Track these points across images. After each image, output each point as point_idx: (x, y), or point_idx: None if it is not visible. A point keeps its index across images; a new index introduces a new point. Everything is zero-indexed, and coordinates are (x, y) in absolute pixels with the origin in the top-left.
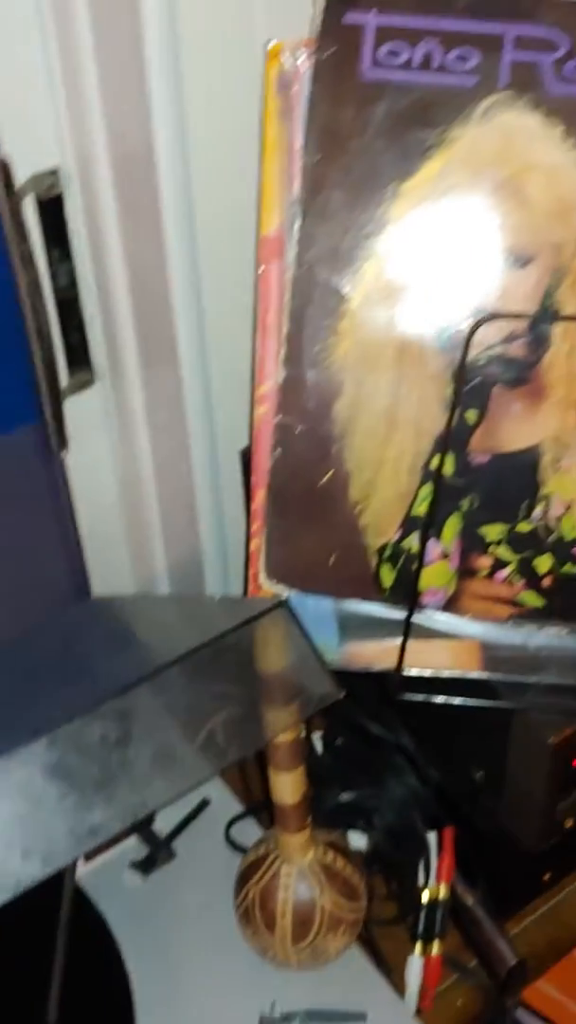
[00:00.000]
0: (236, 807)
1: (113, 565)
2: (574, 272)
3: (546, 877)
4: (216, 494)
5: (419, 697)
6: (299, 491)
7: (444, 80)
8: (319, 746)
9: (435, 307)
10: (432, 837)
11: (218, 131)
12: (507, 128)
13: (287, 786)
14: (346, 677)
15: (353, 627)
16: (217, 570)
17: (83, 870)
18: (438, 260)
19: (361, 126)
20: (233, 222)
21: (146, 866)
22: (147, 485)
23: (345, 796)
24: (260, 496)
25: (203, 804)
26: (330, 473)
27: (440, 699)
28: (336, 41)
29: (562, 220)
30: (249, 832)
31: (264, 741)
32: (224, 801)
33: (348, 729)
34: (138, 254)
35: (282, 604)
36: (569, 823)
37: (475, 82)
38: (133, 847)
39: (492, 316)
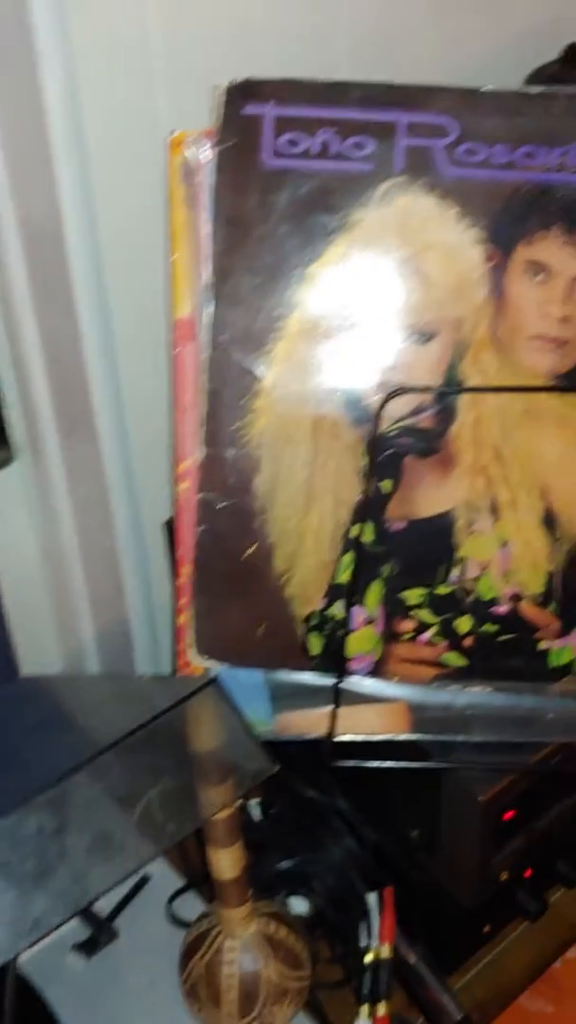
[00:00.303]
0: (176, 881)
1: (39, 640)
2: (475, 345)
3: (486, 929)
4: (141, 565)
5: (352, 763)
6: (224, 566)
7: (343, 167)
8: (256, 813)
9: (346, 383)
10: (372, 898)
11: (127, 216)
12: (405, 210)
13: (226, 862)
14: (280, 744)
15: (284, 697)
16: (146, 640)
17: (25, 956)
18: (346, 338)
19: (265, 213)
20: (146, 302)
21: (89, 948)
22: (71, 559)
23: (285, 863)
24: (186, 571)
25: (143, 880)
26: (254, 546)
27: (373, 764)
28: (237, 132)
29: (461, 297)
30: (191, 906)
31: (201, 820)
32: (164, 876)
33: (285, 795)
34: (53, 333)
35: (212, 682)
36: (504, 876)
37: (372, 168)
38: (74, 929)
39: (400, 391)
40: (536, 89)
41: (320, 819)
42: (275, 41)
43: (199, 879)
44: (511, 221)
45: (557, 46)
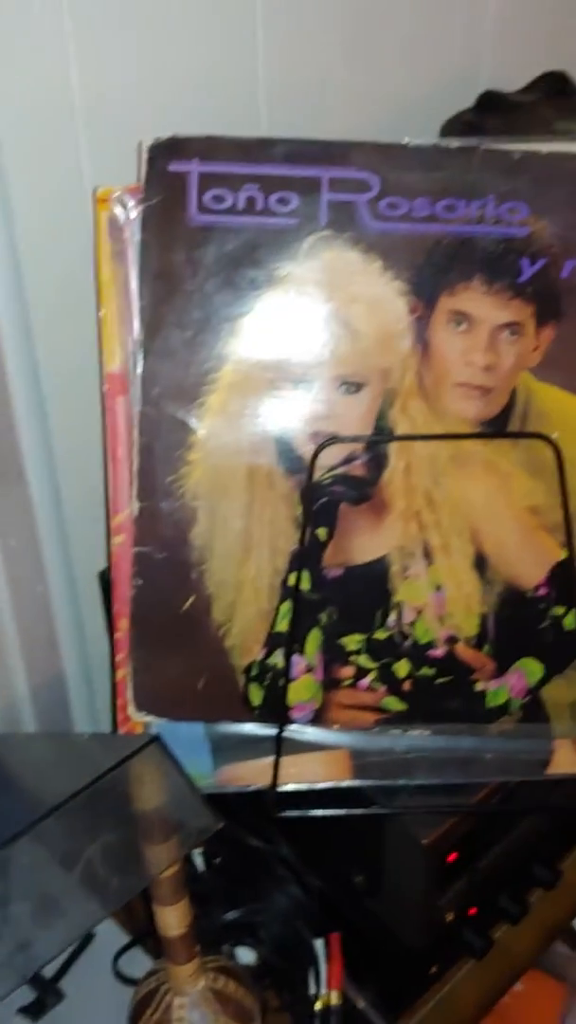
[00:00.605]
0: (122, 938)
1: None
2: (403, 394)
3: (433, 970)
4: (76, 617)
5: (296, 813)
6: (162, 619)
7: (268, 222)
8: (199, 864)
9: (279, 433)
10: (319, 945)
11: (54, 270)
12: (330, 264)
13: (172, 919)
14: (222, 794)
15: (226, 748)
16: (82, 694)
17: None
18: (278, 389)
19: (193, 268)
20: (77, 355)
21: (35, 1011)
22: (3, 611)
23: (230, 914)
24: (123, 626)
25: (88, 938)
26: (192, 599)
27: (317, 813)
28: (162, 189)
29: (387, 347)
30: (138, 962)
31: (147, 880)
32: (109, 933)
33: (227, 845)
34: None
35: (155, 739)
36: (450, 916)
37: (297, 223)
38: (20, 991)
39: (332, 440)
40: (454, 143)
41: (264, 868)
42: (195, 97)
43: (144, 934)
44: (433, 273)
45: (472, 93)
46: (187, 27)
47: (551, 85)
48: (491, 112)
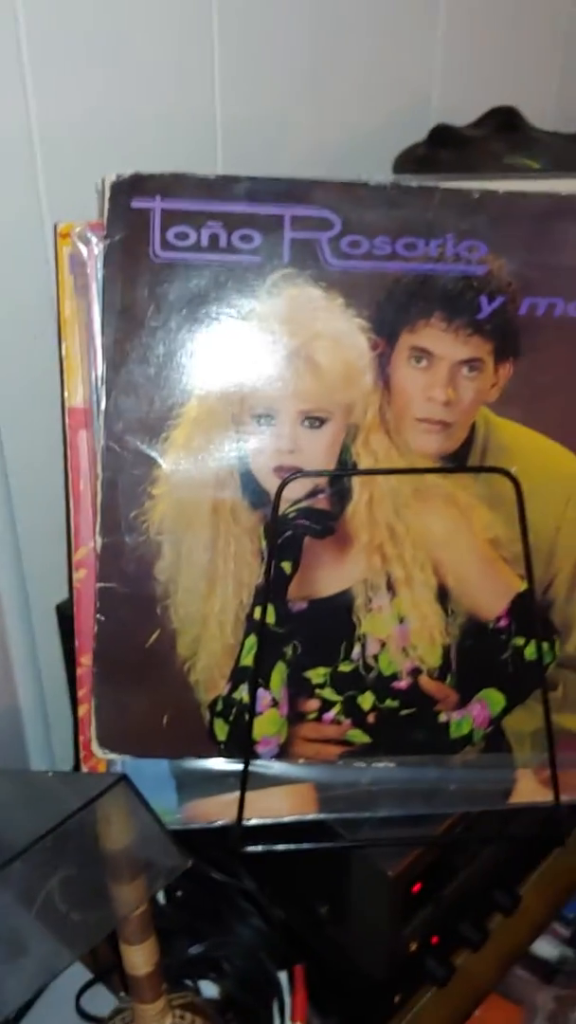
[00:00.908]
0: (84, 974)
1: None
2: (365, 429)
3: (396, 999)
4: (31, 649)
5: (261, 848)
6: (126, 655)
7: (231, 259)
8: (162, 897)
9: (243, 468)
10: (283, 977)
11: (13, 305)
12: (293, 300)
13: (139, 958)
14: (187, 830)
15: (191, 784)
16: (39, 730)
17: None
18: (241, 424)
19: (156, 304)
20: (33, 389)
21: None
22: None
23: (194, 949)
24: (86, 661)
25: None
26: (156, 634)
27: (280, 847)
28: (125, 225)
29: (350, 383)
30: (101, 999)
31: (116, 921)
32: (71, 969)
33: (189, 878)
34: None
35: (123, 778)
36: (414, 946)
37: (260, 260)
38: None
39: (297, 474)
40: (414, 182)
41: (227, 900)
42: (153, 132)
43: (107, 970)
44: (394, 310)
45: (423, 127)
46: (146, 63)
47: (501, 120)
48: (443, 146)
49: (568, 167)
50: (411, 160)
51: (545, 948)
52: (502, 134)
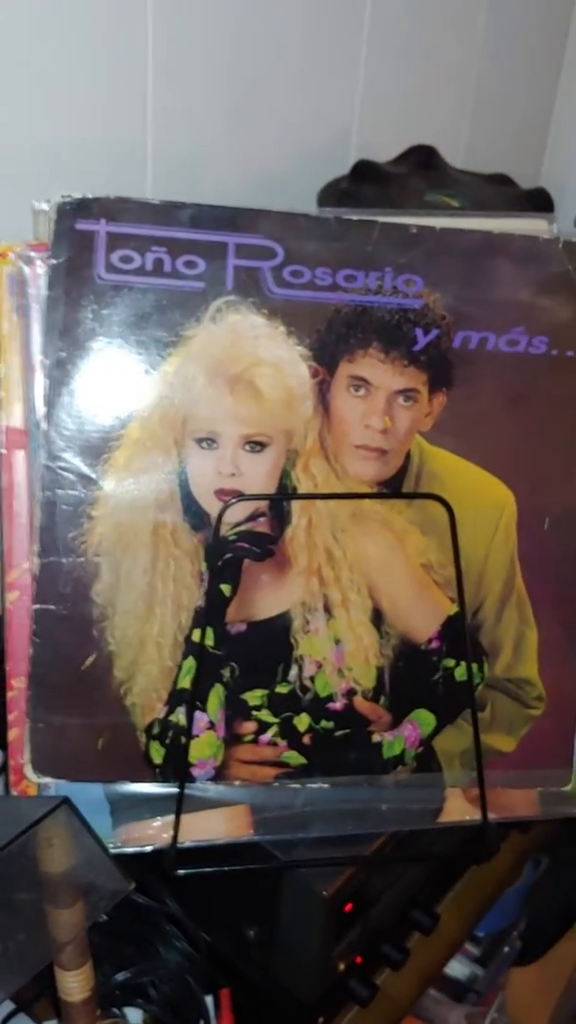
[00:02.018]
0: (6, 1005)
1: None
2: (305, 454)
3: (320, 1020)
4: None
5: (196, 870)
6: (62, 678)
7: (175, 284)
8: None
9: (183, 490)
10: (210, 1001)
11: None
12: (236, 327)
13: (75, 984)
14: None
15: (125, 808)
16: None
17: None
18: (183, 447)
19: (100, 326)
20: None
21: None
22: None
23: (120, 975)
24: (18, 685)
25: None
26: (93, 656)
27: (219, 870)
28: (70, 247)
29: (290, 409)
30: None
31: (57, 948)
32: None
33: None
34: None
35: (65, 801)
36: (342, 967)
37: (204, 286)
38: None
39: (239, 498)
40: (355, 216)
41: (152, 925)
42: (85, 160)
43: (28, 1000)
44: (334, 339)
45: (342, 161)
46: (81, 92)
47: (420, 158)
48: (366, 181)
49: (485, 206)
50: (334, 194)
51: (456, 968)
52: (422, 172)
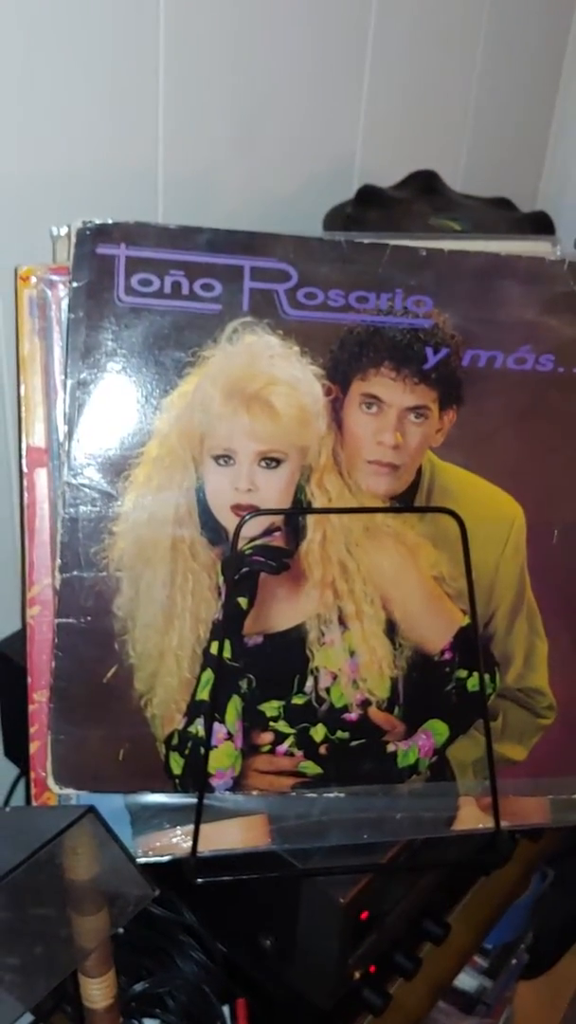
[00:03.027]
0: (25, 1017)
1: None
2: (319, 470)
3: None
4: None
5: (219, 878)
6: (84, 690)
7: (193, 306)
8: None
9: (201, 506)
10: (226, 1011)
11: None
12: (252, 348)
13: (98, 991)
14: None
15: (145, 818)
16: None
17: None
18: (201, 464)
19: (120, 347)
20: None
21: None
22: None
23: (138, 986)
24: (38, 698)
25: None
26: (114, 669)
27: (236, 877)
28: (91, 271)
29: (305, 426)
30: None
31: (83, 955)
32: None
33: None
34: None
35: (90, 809)
36: (356, 975)
37: (221, 308)
38: None
39: (256, 513)
40: (367, 239)
41: (168, 937)
42: (100, 186)
43: (46, 1013)
44: (347, 359)
45: (346, 186)
46: (95, 121)
47: (422, 183)
48: (370, 206)
49: (487, 229)
50: (339, 218)
51: (465, 980)
52: (424, 196)
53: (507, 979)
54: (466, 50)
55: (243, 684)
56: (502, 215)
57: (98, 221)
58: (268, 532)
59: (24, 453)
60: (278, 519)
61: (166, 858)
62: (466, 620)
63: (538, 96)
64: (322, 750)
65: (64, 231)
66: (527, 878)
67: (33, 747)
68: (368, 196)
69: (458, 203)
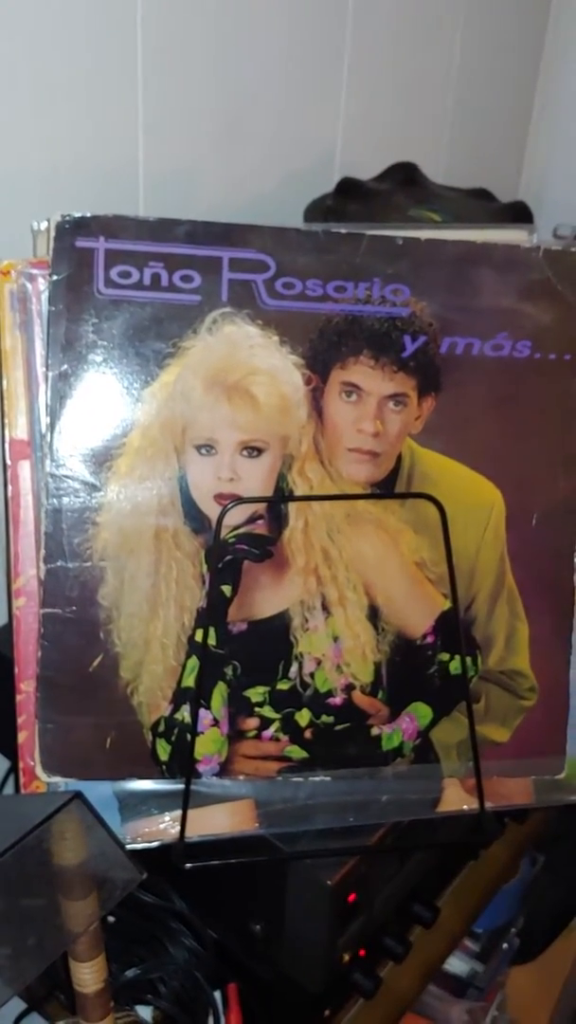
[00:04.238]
0: (18, 1004)
1: None
2: (301, 458)
3: (326, 1013)
4: None
5: (208, 862)
6: (70, 679)
7: (172, 298)
8: None
9: (184, 495)
10: (217, 995)
11: None
12: (231, 338)
13: (89, 975)
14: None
15: (132, 805)
16: None
17: None
18: (183, 454)
19: (100, 339)
20: None
21: None
22: None
23: (130, 973)
24: (25, 688)
25: None
26: (100, 657)
27: (223, 861)
28: (70, 264)
29: (286, 415)
30: None
31: (72, 936)
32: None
33: (121, 903)
34: None
35: (77, 795)
36: (346, 958)
37: (200, 299)
38: None
39: (238, 501)
40: (343, 229)
41: (159, 923)
42: (81, 181)
43: (39, 1000)
44: (326, 348)
45: (326, 179)
46: (75, 115)
47: (402, 175)
48: (350, 198)
49: (466, 220)
50: (320, 211)
51: (456, 964)
52: (404, 188)
53: (499, 963)
54: (445, 42)
55: (228, 671)
56: (481, 206)
57: (77, 214)
58: (251, 520)
59: (7, 445)
60: (261, 507)
61: (155, 844)
62: (447, 604)
63: (518, 87)
64: (307, 734)
65: (44, 225)
66: (516, 862)
67: (21, 737)
68: (348, 188)
69: (438, 194)
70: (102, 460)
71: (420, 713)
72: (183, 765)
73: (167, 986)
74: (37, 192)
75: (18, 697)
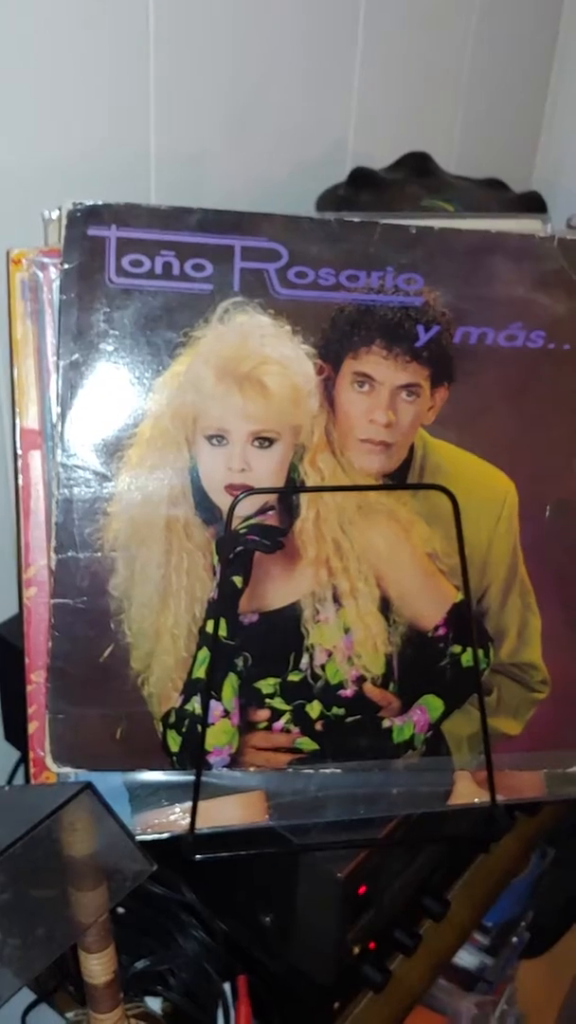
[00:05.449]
0: (27, 996)
1: None
2: (312, 449)
3: (336, 1006)
4: None
5: (218, 854)
6: (81, 670)
7: (184, 287)
8: None
9: (195, 486)
10: (227, 987)
11: None
12: (243, 327)
13: (98, 966)
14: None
15: (143, 796)
16: None
17: None
18: (194, 444)
19: (112, 328)
20: None
21: None
22: None
23: (140, 964)
24: (36, 678)
25: None
26: (110, 648)
27: (233, 854)
28: (81, 252)
29: (297, 405)
30: (45, 1020)
31: (81, 930)
32: None
33: (132, 895)
34: None
35: (88, 786)
36: (356, 951)
37: (212, 288)
38: None
39: (249, 492)
40: (356, 218)
41: (169, 915)
42: (92, 168)
43: (48, 991)
44: (338, 337)
45: (339, 169)
46: (87, 104)
47: (415, 164)
48: (363, 187)
49: (480, 210)
50: (332, 200)
51: (465, 957)
52: (417, 178)
53: (508, 957)
54: (459, 31)
55: (239, 662)
56: (495, 195)
57: (88, 203)
58: (262, 511)
59: (18, 435)
60: (272, 498)
61: (165, 835)
62: (459, 596)
63: (532, 77)
64: (318, 726)
65: (55, 214)
66: (526, 856)
67: (31, 727)
68: (361, 178)
69: (451, 184)
70: (113, 450)
71: (431, 705)
72: (193, 756)
73: (177, 978)
74: (48, 180)
75: (29, 687)
